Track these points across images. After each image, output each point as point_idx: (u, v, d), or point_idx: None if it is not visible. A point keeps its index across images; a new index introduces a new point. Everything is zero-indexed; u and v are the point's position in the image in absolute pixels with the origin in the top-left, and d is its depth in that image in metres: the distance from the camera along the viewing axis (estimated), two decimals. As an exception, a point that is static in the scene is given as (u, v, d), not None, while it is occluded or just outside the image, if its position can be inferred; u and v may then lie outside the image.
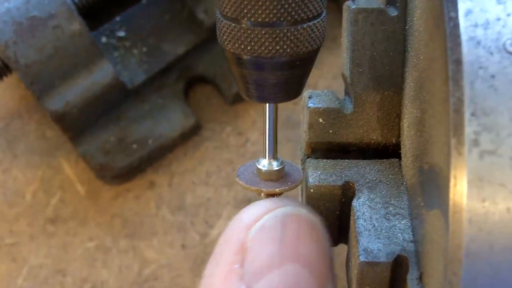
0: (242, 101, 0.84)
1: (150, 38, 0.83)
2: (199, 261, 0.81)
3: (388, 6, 0.53)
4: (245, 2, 0.44)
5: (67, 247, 0.83)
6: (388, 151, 0.54)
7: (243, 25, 0.45)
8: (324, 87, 0.84)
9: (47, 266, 0.82)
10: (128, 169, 0.82)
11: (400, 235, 0.47)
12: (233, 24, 0.46)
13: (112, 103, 0.81)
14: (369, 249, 0.46)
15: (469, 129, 0.38)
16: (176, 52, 0.82)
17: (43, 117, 0.84)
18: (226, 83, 0.83)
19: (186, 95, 0.84)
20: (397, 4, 0.52)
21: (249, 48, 0.45)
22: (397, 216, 0.48)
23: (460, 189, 0.38)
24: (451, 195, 0.38)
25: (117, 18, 0.83)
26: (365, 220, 0.48)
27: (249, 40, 0.45)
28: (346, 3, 0.54)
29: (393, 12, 0.52)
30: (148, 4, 0.83)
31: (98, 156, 0.81)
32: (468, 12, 0.40)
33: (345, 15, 0.54)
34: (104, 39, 0.82)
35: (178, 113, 0.83)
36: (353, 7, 0.52)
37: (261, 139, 0.84)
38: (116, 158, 0.81)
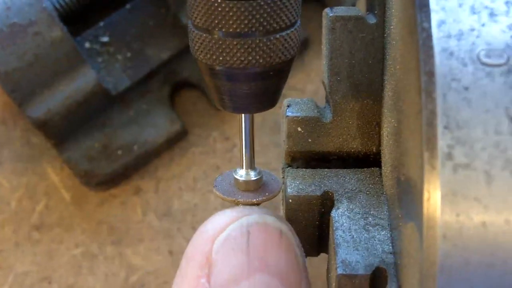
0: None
1: (134, 43, 0.82)
2: (186, 268, 0.80)
3: (367, 13, 0.52)
4: (216, 13, 0.44)
5: (52, 254, 0.82)
6: (369, 160, 0.53)
7: (215, 36, 0.44)
8: (312, 91, 0.83)
9: (33, 274, 0.82)
10: (114, 175, 0.81)
11: (379, 246, 0.46)
12: (205, 35, 0.45)
13: (96, 109, 0.80)
14: (347, 261, 0.45)
15: (442, 143, 0.37)
16: (160, 57, 0.82)
17: (27, 124, 0.83)
18: (211, 88, 0.82)
19: (171, 100, 0.83)
20: (376, 12, 0.51)
21: (221, 58, 0.45)
22: (377, 227, 0.48)
23: (433, 203, 0.37)
24: (425, 210, 0.37)
25: (101, 23, 0.82)
26: (343, 231, 0.48)
27: (220, 50, 0.45)
28: (325, 10, 0.53)
29: (371, 19, 0.51)
30: (132, 9, 0.82)
31: (83, 163, 0.80)
32: (441, 23, 0.39)
33: (324, 22, 0.53)
34: (87, 45, 0.81)
35: (163, 118, 0.82)
36: (331, 14, 0.52)
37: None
38: (101, 165, 0.81)
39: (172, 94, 0.84)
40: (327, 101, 0.54)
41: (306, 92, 0.83)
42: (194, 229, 0.81)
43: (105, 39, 0.82)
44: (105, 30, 0.82)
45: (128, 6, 0.83)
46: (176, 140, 0.83)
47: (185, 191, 0.83)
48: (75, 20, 0.81)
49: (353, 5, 0.75)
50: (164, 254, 0.82)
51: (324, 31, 0.53)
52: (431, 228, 0.37)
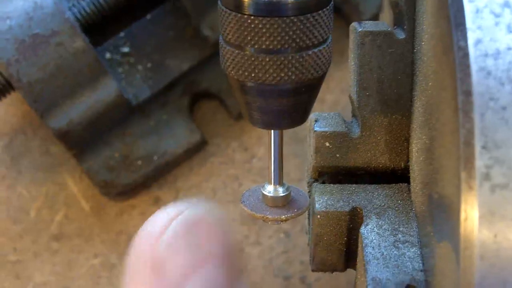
0: (248, 118, 0.83)
1: (155, 54, 0.82)
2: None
3: (395, 28, 0.52)
4: (249, 29, 0.44)
5: (71, 264, 0.82)
6: (396, 175, 0.53)
7: (247, 52, 0.44)
8: (332, 101, 0.83)
9: (52, 284, 0.82)
10: (133, 186, 0.81)
11: (409, 263, 0.46)
12: (237, 51, 0.45)
13: (117, 119, 0.80)
14: (377, 279, 0.45)
15: (480, 163, 0.37)
16: (180, 68, 0.82)
17: (47, 133, 0.83)
18: (231, 98, 0.82)
19: (191, 111, 0.83)
20: (405, 27, 0.51)
21: (253, 75, 0.45)
22: (406, 244, 0.48)
23: (471, 223, 0.37)
24: (461, 230, 0.37)
25: (121, 34, 0.82)
26: (373, 248, 0.47)
27: (253, 67, 0.44)
28: (353, 24, 0.53)
29: (400, 34, 0.51)
30: (152, 20, 0.82)
31: (103, 173, 0.80)
32: (478, 42, 0.39)
33: (352, 37, 0.53)
34: (108, 55, 0.81)
35: (183, 129, 0.82)
36: (360, 29, 0.51)
37: (267, 154, 0.83)
38: (120, 175, 0.81)
39: (192, 104, 0.84)
40: (354, 116, 0.54)
41: (326, 102, 0.83)
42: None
43: (125, 49, 0.82)
44: (125, 41, 0.82)
45: (148, 16, 0.83)
46: (195, 151, 0.83)
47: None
48: (96, 30, 0.81)
49: (375, 16, 0.75)
50: (183, 264, 0.81)
51: (352, 46, 0.53)
52: (468, 248, 0.37)
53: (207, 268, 0.44)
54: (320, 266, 0.52)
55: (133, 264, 0.44)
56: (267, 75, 0.44)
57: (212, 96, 0.83)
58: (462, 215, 0.37)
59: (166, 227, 0.44)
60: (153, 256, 0.43)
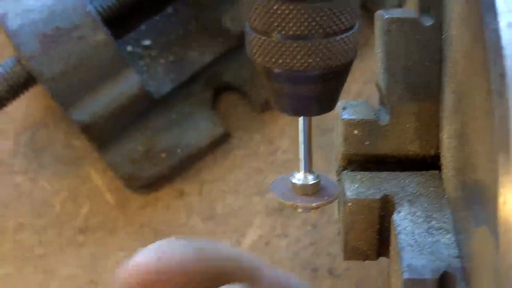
0: (271, 109, 0.82)
1: (176, 46, 0.82)
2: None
3: (422, 14, 0.52)
4: (275, 15, 0.43)
5: (97, 257, 0.82)
6: (426, 163, 0.53)
7: (274, 38, 0.44)
8: (356, 92, 0.83)
9: (78, 277, 0.82)
10: (157, 178, 0.81)
11: (445, 250, 0.46)
12: (264, 37, 0.45)
13: (139, 112, 0.80)
14: (413, 266, 0.45)
15: (517, 146, 0.37)
16: (202, 61, 0.81)
17: (69, 127, 0.83)
18: (254, 91, 0.82)
19: (213, 103, 0.83)
20: (432, 13, 0.51)
21: (280, 61, 0.44)
22: (441, 230, 0.47)
23: (510, 207, 0.37)
24: (500, 214, 0.37)
25: (143, 27, 0.82)
26: (407, 234, 0.47)
27: (280, 53, 0.44)
28: (379, 12, 0.53)
29: (427, 21, 0.51)
30: (173, 13, 0.82)
31: (126, 166, 0.80)
32: (510, 25, 0.39)
33: (378, 24, 0.53)
34: (129, 48, 0.81)
35: (206, 121, 0.82)
36: (386, 16, 0.51)
37: (291, 147, 0.83)
38: (144, 168, 0.81)
39: (214, 97, 0.83)
40: (382, 103, 0.54)
41: (350, 92, 0.83)
42: (237, 232, 0.81)
43: (147, 42, 0.82)
44: (146, 34, 0.82)
45: (169, 9, 0.83)
46: (218, 143, 0.83)
47: (228, 194, 0.82)
48: (117, 23, 0.81)
49: (399, 5, 0.74)
50: (208, 256, 0.81)
51: (379, 33, 0.53)
52: (508, 232, 0.36)
53: None
54: (353, 254, 0.52)
55: None
56: (295, 61, 0.44)
57: (234, 88, 0.83)
58: (501, 199, 0.37)
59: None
60: None
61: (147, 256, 0.46)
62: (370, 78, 0.81)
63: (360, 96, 0.82)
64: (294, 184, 0.50)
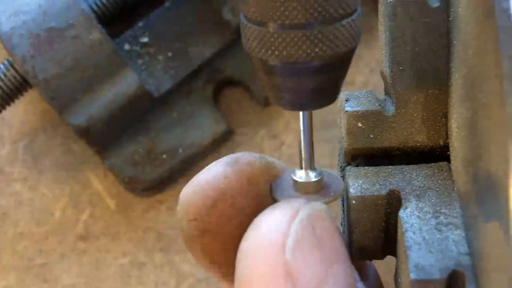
0: (274, 103, 0.80)
1: (175, 42, 0.79)
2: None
3: (428, -5, 0.49)
4: (276, 3, 0.40)
5: (100, 264, 0.80)
6: (435, 154, 0.49)
7: (274, 29, 0.41)
8: (362, 82, 0.80)
9: (80, 285, 0.79)
10: (159, 181, 0.79)
11: (454, 247, 0.43)
12: (262, 28, 0.41)
13: (139, 113, 0.77)
14: (420, 265, 0.42)
15: (531, 133, 0.34)
16: (203, 56, 0.79)
17: (68, 131, 0.81)
18: (256, 84, 0.79)
19: (215, 99, 0.80)
20: (438, -7, 0.48)
21: (284, 53, 0.41)
22: (450, 226, 0.44)
23: (523, 200, 0.33)
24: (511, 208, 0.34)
25: (140, 24, 0.80)
26: (414, 232, 0.44)
27: (284, 44, 0.41)
28: (382, -5, 0.50)
29: (434, 2, 0.47)
30: (171, 7, 0.79)
31: (127, 169, 0.78)
32: (522, 2, 0.35)
33: (382, 9, 0.50)
34: (127, 46, 0.79)
35: (208, 119, 0.79)
36: (390, 0, 0.48)
37: (297, 141, 0.80)
38: (145, 170, 0.78)
39: (216, 93, 0.81)
40: (388, 93, 0.50)
41: (355, 84, 0.80)
42: (244, 233, 0.78)
43: (144, 39, 0.79)
44: (144, 30, 0.79)
45: (167, 4, 0.80)
46: (222, 141, 0.80)
47: (233, 194, 0.79)
48: (113, 21, 0.78)
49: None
50: (215, 260, 0.79)
51: (383, 18, 0.49)
52: (521, 227, 0.33)
53: (337, 268, 0.40)
54: (358, 254, 0.48)
55: (260, 278, 0.39)
56: (300, 52, 0.41)
57: (236, 83, 0.80)
58: (512, 192, 0.34)
59: (287, 231, 0.40)
60: (282, 267, 0.39)
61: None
62: (376, 68, 0.78)
63: (366, 86, 0.79)
64: (296, 182, 0.47)
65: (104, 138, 0.77)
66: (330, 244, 0.41)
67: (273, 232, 0.40)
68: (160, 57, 0.79)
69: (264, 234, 0.41)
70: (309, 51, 0.41)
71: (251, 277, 0.40)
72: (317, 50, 0.41)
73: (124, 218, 0.80)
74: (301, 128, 0.46)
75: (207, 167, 0.48)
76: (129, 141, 0.78)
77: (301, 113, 0.46)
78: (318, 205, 0.43)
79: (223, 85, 0.81)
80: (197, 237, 0.47)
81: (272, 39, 0.41)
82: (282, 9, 0.40)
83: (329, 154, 0.76)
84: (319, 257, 0.40)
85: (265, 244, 0.40)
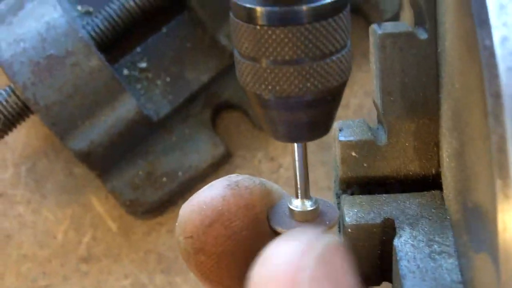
0: (271, 127, 0.81)
1: (173, 67, 0.80)
2: (239, 293, 0.78)
3: (417, 27, 0.50)
4: (267, 40, 0.42)
5: (102, 286, 0.81)
6: (428, 182, 0.51)
7: (266, 64, 0.42)
8: (356, 105, 0.81)
9: (83, 307, 0.80)
10: (159, 203, 0.80)
11: (447, 275, 0.44)
12: (255, 64, 0.43)
13: (138, 137, 0.78)
14: (415, 294, 0.43)
15: (515, 170, 0.35)
16: (200, 80, 0.80)
17: (69, 155, 0.82)
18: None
19: (213, 123, 0.81)
20: (426, 26, 0.49)
21: (277, 88, 0.42)
22: (443, 254, 0.45)
23: (510, 235, 0.35)
24: (500, 241, 0.35)
25: (138, 49, 0.81)
26: (408, 261, 0.45)
27: (277, 79, 0.42)
28: (372, 26, 0.51)
29: (422, 34, 0.49)
30: (168, 32, 0.81)
31: (128, 192, 0.79)
32: (504, 40, 0.37)
33: (372, 40, 0.51)
34: (125, 72, 0.80)
35: (206, 142, 0.80)
36: (380, 32, 0.49)
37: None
38: (146, 193, 0.79)
39: (214, 116, 0.82)
40: (380, 122, 0.52)
41: (350, 107, 0.81)
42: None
43: (143, 65, 0.80)
44: (142, 56, 0.81)
45: (164, 29, 0.81)
46: (220, 164, 0.81)
47: (232, 215, 0.81)
48: (111, 47, 0.80)
49: (396, 15, 0.72)
50: (215, 280, 0.80)
51: (373, 49, 0.51)
52: (508, 261, 0.35)
53: None
54: (354, 282, 0.50)
55: None
56: (293, 87, 0.42)
57: (234, 106, 0.82)
58: (500, 225, 0.35)
59: (300, 264, 0.39)
60: None
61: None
62: (370, 91, 0.79)
63: (361, 109, 0.80)
64: (292, 211, 0.49)
65: (104, 162, 0.78)
66: (343, 280, 0.40)
67: (287, 265, 0.39)
68: (159, 82, 0.80)
69: (277, 266, 0.39)
70: (301, 86, 0.42)
71: None
72: (308, 85, 0.42)
73: (126, 240, 0.81)
74: (296, 159, 0.47)
75: (208, 185, 0.49)
76: (130, 164, 0.79)
77: (295, 144, 0.47)
78: (332, 238, 0.42)
79: (220, 109, 0.82)
80: (192, 254, 0.48)
81: (265, 75, 0.43)
82: (274, 45, 0.42)
83: (327, 176, 0.78)
84: None
85: (277, 276, 0.39)
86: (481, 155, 0.38)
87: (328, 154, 0.79)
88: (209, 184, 0.50)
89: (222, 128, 0.83)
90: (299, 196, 0.48)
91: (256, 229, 0.46)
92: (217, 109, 0.82)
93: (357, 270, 0.44)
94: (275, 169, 0.81)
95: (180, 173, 0.79)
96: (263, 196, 0.50)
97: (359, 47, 0.74)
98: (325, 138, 0.79)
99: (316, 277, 0.39)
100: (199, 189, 0.80)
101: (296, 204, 0.48)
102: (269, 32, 0.41)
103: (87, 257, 0.81)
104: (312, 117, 0.44)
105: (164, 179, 0.79)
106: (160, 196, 0.79)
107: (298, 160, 0.47)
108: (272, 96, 0.43)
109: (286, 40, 0.41)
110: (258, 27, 0.42)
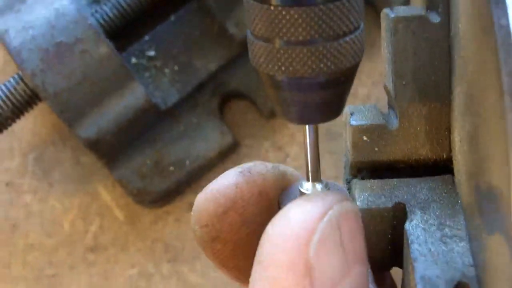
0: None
1: (181, 55, 0.80)
2: (245, 283, 0.78)
3: (429, 11, 0.49)
4: (281, 21, 0.41)
5: (108, 275, 0.81)
6: (439, 167, 0.50)
7: (280, 45, 0.42)
8: (364, 95, 0.81)
9: (90, 296, 0.80)
10: (167, 192, 0.80)
11: (459, 259, 0.44)
12: (268, 44, 0.42)
13: (146, 125, 0.78)
14: (426, 277, 0.43)
15: (531, 148, 0.34)
16: (208, 69, 0.80)
17: (77, 144, 0.82)
18: (261, 97, 0.80)
19: (221, 112, 0.81)
20: (439, 10, 0.48)
21: (291, 69, 0.42)
22: (454, 238, 0.45)
23: (525, 214, 0.34)
24: (515, 221, 0.35)
25: (146, 37, 0.81)
26: (419, 244, 0.45)
27: (290, 60, 0.42)
28: (384, 10, 0.51)
29: (435, 18, 0.48)
30: (176, 21, 0.81)
31: (135, 181, 0.79)
32: (521, 19, 0.36)
33: (384, 24, 0.51)
34: (134, 60, 0.80)
35: (214, 131, 0.80)
36: (392, 15, 0.49)
37: (301, 153, 0.81)
38: (153, 182, 0.79)
39: (222, 105, 0.82)
40: (391, 107, 0.51)
41: (358, 96, 0.81)
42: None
43: (151, 53, 0.80)
44: (150, 44, 0.81)
45: (172, 18, 0.81)
46: (228, 153, 0.81)
47: (240, 205, 0.80)
48: (120, 35, 0.79)
49: (406, 2, 0.72)
50: (222, 270, 0.80)
51: (385, 33, 0.50)
52: (524, 240, 0.34)
53: (357, 270, 0.42)
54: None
55: (278, 269, 0.40)
56: (306, 67, 0.42)
57: (242, 95, 0.81)
58: (515, 205, 0.35)
59: (314, 228, 0.41)
60: (303, 262, 0.40)
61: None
62: (379, 80, 0.79)
63: (369, 99, 0.80)
64: (303, 194, 0.48)
65: (112, 150, 0.78)
66: (352, 246, 0.42)
67: (301, 227, 0.41)
68: (167, 71, 0.80)
69: (292, 226, 0.41)
70: (314, 67, 0.42)
71: (270, 262, 0.40)
72: (321, 65, 0.42)
73: (133, 229, 0.81)
74: (308, 141, 0.47)
75: (222, 175, 0.49)
76: (137, 153, 0.79)
77: (307, 126, 0.47)
78: (349, 205, 0.44)
79: (228, 98, 0.82)
80: (208, 243, 0.49)
81: (278, 55, 0.42)
82: (288, 26, 0.41)
83: (334, 165, 0.77)
84: (340, 258, 0.41)
85: (291, 236, 0.40)
86: (496, 136, 0.38)
87: (336, 144, 0.79)
88: (224, 173, 0.50)
89: (229, 117, 0.83)
90: (310, 179, 0.48)
91: (271, 214, 0.46)
92: (225, 98, 0.82)
93: (367, 247, 0.44)
94: (282, 158, 0.81)
95: (187, 162, 0.79)
96: (277, 180, 0.50)
97: (367, 37, 0.74)
98: (333, 128, 0.79)
99: (325, 241, 0.41)
100: (207, 178, 0.80)
101: (307, 187, 0.48)
102: (283, 12, 0.41)
103: (94, 246, 0.81)
104: (324, 98, 0.44)
105: (172, 168, 0.79)
106: (167, 185, 0.79)
107: (310, 143, 0.47)
108: (285, 77, 0.43)
109: (299, 20, 0.41)
110: (272, 7, 0.42)
